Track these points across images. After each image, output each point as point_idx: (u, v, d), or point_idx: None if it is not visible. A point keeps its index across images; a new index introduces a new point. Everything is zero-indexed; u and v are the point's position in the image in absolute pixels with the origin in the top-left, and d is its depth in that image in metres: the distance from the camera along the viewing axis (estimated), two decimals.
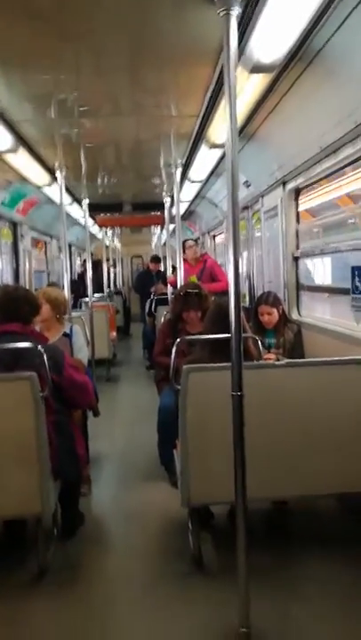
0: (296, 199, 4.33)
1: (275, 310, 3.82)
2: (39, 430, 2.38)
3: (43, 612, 2.32)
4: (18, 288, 2.78)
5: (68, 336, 3.55)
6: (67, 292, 4.57)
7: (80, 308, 7.51)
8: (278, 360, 3.36)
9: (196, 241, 7.37)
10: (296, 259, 4.38)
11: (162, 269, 9.14)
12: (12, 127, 3.59)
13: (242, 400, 1.95)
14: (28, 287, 5.45)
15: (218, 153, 4.42)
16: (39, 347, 2.45)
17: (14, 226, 6.48)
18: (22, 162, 4.51)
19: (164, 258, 9.30)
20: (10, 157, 4.28)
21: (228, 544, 2.16)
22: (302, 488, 2.54)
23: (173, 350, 2.79)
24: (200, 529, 2.69)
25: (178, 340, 2.91)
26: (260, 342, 2.91)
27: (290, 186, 4.24)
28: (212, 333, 2.70)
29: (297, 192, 4.30)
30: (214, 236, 8.79)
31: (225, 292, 5.65)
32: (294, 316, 4.32)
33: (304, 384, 2.54)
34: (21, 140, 3.93)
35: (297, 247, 4.37)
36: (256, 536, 2.10)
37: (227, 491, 2.06)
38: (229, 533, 2.14)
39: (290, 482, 2.52)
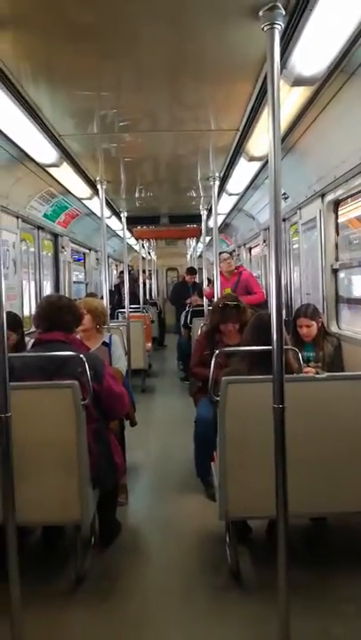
0: (335, 211, 4.29)
1: (314, 323, 3.77)
2: (80, 438, 2.41)
3: (79, 620, 2.34)
4: (61, 298, 2.84)
5: (106, 345, 3.61)
6: (105, 303, 4.64)
7: (117, 318, 7.61)
8: (318, 373, 3.31)
9: (230, 254, 7.38)
10: (335, 271, 4.33)
11: (197, 281, 9.17)
12: (56, 142, 3.71)
13: (283, 413, 1.93)
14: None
15: (256, 166, 4.43)
16: (81, 355, 2.50)
17: (55, 237, 6.64)
18: (65, 175, 4.63)
19: (200, 270, 9.33)
20: (54, 171, 4.41)
21: (266, 559, 2.14)
22: (344, 504, 2.49)
23: (213, 362, 2.79)
24: (238, 543, 2.66)
25: (217, 351, 2.91)
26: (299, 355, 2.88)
27: (329, 198, 4.21)
28: (252, 345, 2.69)
29: (336, 204, 4.26)
30: (250, 249, 8.77)
31: (260, 305, 5.62)
32: (333, 328, 4.26)
33: (345, 397, 2.49)
34: (65, 154, 4.04)
35: (336, 259, 4.32)
36: (294, 552, 2.06)
37: (266, 505, 2.04)
38: (267, 548, 2.12)
39: (331, 497, 2.47)
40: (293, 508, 2.01)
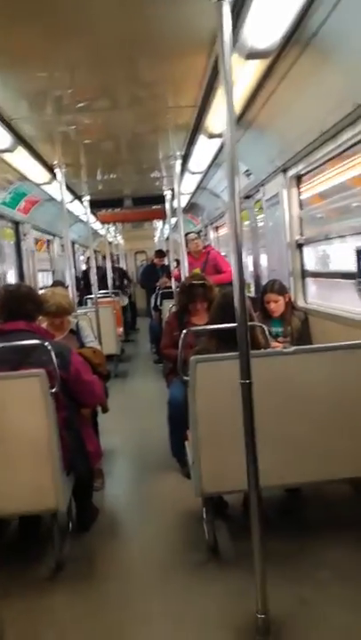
0: (298, 186, 4.30)
1: (281, 298, 3.81)
2: (50, 426, 2.39)
3: (61, 605, 2.35)
4: (20, 286, 2.80)
5: (74, 333, 3.57)
6: (71, 290, 4.58)
7: (85, 304, 7.53)
8: (285, 348, 3.35)
9: (198, 234, 7.35)
10: (300, 245, 4.36)
11: (166, 263, 9.14)
12: (9, 125, 3.59)
13: (251, 388, 1.95)
14: (32, 286, 5.46)
15: (217, 143, 4.39)
16: (45, 343, 2.46)
17: (16, 225, 6.49)
18: (21, 160, 4.50)
19: (168, 252, 9.30)
20: (9, 156, 4.27)
21: (243, 532, 2.17)
22: (314, 474, 2.54)
23: (180, 342, 2.79)
24: (214, 518, 2.70)
25: (185, 331, 2.91)
26: (267, 331, 2.90)
27: (291, 172, 4.21)
28: (219, 324, 2.70)
29: (298, 178, 4.27)
30: (217, 228, 8.76)
31: (230, 284, 5.65)
32: (300, 303, 4.31)
33: (313, 370, 2.54)
34: (19, 139, 3.92)
35: (301, 234, 4.35)
36: (271, 523, 2.11)
37: (240, 479, 2.06)
38: (244, 522, 2.15)
39: (302, 468, 2.52)
40: (265, 480, 2.04)
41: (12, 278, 6.24)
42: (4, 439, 2.37)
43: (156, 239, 14.95)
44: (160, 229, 12.81)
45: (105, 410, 3.51)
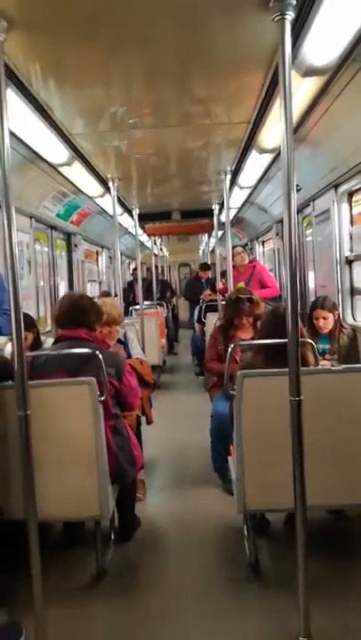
0: (349, 202, 4.25)
1: (331, 315, 3.74)
2: (98, 434, 2.43)
3: (100, 615, 2.37)
4: (83, 297, 2.86)
5: (122, 343, 3.63)
6: (120, 300, 4.66)
7: (130, 315, 7.63)
8: (333, 366, 3.29)
9: (244, 247, 7.35)
10: (350, 262, 4.29)
11: (210, 276, 9.16)
12: (67, 141, 3.72)
13: (300, 405, 1.93)
14: None
15: (268, 158, 4.40)
16: (98, 352, 2.52)
17: (68, 237, 6.68)
18: (77, 174, 4.65)
19: (213, 265, 9.32)
20: (65, 170, 4.43)
21: (285, 552, 2.14)
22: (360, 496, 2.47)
23: (228, 356, 2.78)
24: (256, 536, 2.66)
25: (232, 345, 2.91)
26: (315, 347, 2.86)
27: (343, 188, 4.17)
28: (268, 339, 2.68)
29: (350, 195, 4.22)
30: (263, 242, 8.72)
31: (275, 299, 5.60)
32: (349, 320, 4.22)
33: None
34: (76, 153, 4.06)
35: (350, 250, 4.28)
36: (313, 544, 2.06)
37: (284, 498, 2.03)
38: (286, 541, 2.12)
39: (349, 489, 2.45)
40: (311, 500, 2.00)
41: (63, 288, 6.42)
42: (54, 444, 2.42)
43: (200, 252, 15.01)
44: (205, 242, 12.86)
45: (149, 421, 3.55)
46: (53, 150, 3.86)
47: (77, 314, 2.70)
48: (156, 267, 11.08)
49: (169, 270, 15.81)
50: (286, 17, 1.83)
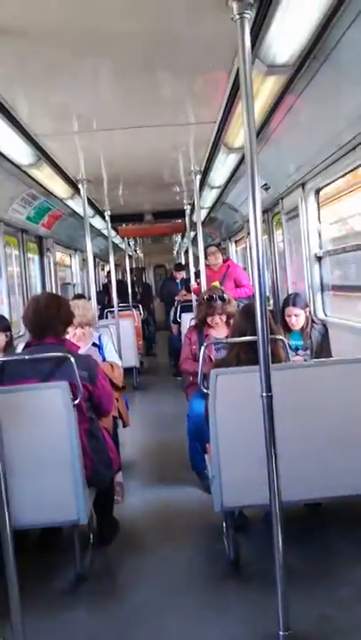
0: (316, 199, 4.31)
1: (302, 312, 3.80)
2: (72, 438, 2.41)
3: (80, 618, 2.34)
4: (48, 303, 2.72)
5: (96, 346, 3.61)
6: (93, 303, 4.63)
7: (106, 317, 7.59)
8: (306, 361, 3.33)
9: (217, 246, 7.38)
10: (319, 258, 4.35)
11: (185, 277, 9.18)
12: (33, 142, 3.68)
13: (271, 401, 1.95)
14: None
15: (236, 157, 4.43)
16: (69, 356, 2.49)
17: (40, 240, 6.60)
18: (46, 176, 4.60)
19: (187, 265, 9.35)
20: (34, 172, 4.38)
21: (264, 547, 2.15)
22: (336, 489, 2.51)
23: (201, 355, 2.80)
24: (235, 533, 2.68)
25: (205, 344, 2.92)
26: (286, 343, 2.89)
27: (309, 186, 4.23)
28: (243, 334, 2.70)
29: (317, 192, 4.28)
30: (236, 242, 8.78)
31: (250, 298, 5.63)
32: (320, 315, 4.28)
33: (333, 383, 2.51)
34: (44, 155, 4.02)
35: (320, 247, 4.35)
36: (291, 539, 2.08)
37: (261, 493, 2.05)
38: (265, 536, 2.13)
39: (323, 483, 2.49)
40: (287, 494, 2.02)
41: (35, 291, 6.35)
42: (29, 450, 2.39)
43: (175, 253, 15.04)
44: (179, 243, 12.89)
45: (125, 424, 3.54)
46: (19, 151, 3.81)
47: (43, 322, 2.64)
48: (132, 269, 11.06)
49: (144, 272, 15.78)
50: (245, 16, 1.85)
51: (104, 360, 3.53)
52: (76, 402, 2.44)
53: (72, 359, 2.47)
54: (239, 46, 1.87)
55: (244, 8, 1.86)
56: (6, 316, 4.52)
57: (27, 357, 2.59)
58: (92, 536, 2.90)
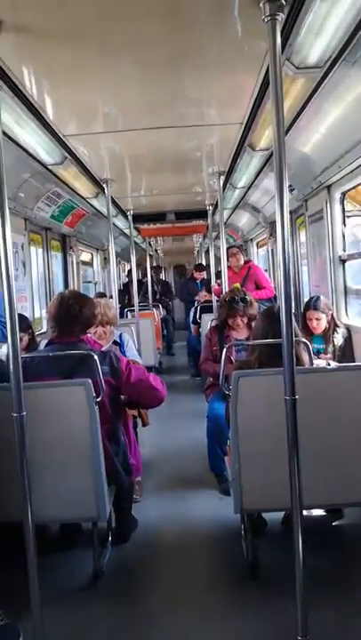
0: (342, 202, 4.27)
1: (323, 315, 3.76)
2: (94, 435, 2.43)
3: (98, 615, 2.37)
4: (72, 301, 2.72)
5: (117, 344, 3.63)
6: (115, 302, 4.65)
7: (126, 316, 7.63)
8: (328, 365, 3.30)
9: (239, 248, 7.35)
10: (343, 261, 4.30)
11: (205, 277, 9.17)
12: (61, 142, 3.72)
13: (295, 404, 1.93)
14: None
15: (261, 159, 4.41)
16: (92, 353, 2.51)
17: (63, 238, 6.66)
18: (71, 175, 4.64)
19: (208, 266, 9.33)
20: (60, 171, 4.42)
21: (282, 551, 2.14)
22: (358, 495, 2.48)
23: (223, 356, 2.79)
24: (253, 536, 2.67)
25: (226, 345, 2.91)
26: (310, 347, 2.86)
27: (335, 189, 4.18)
28: (264, 337, 2.69)
29: (342, 195, 4.23)
30: (257, 243, 8.74)
31: (270, 300, 5.59)
32: (343, 319, 4.24)
33: (356, 387, 2.48)
34: (70, 154, 4.06)
35: (344, 249, 4.30)
36: (311, 543, 2.06)
37: (281, 497, 2.04)
38: (284, 541, 2.12)
39: (345, 488, 2.46)
40: (308, 499, 2.01)
41: (58, 289, 6.41)
42: (50, 445, 2.42)
43: (195, 253, 15.02)
44: (200, 243, 12.87)
45: (145, 423, 3.55)
46: (47, 151, 3.86)
47: (67, 321, 2.67)
48: (152, 268, 11.08)
49: (164, 271, 15.80)
50: (277, 17, 1.84)
51: None
52: (98, 399, 2.46)
53: (95, 357, 2.49)
54: (270, 47, 1.86)
55: (277, 9, 1.84)
56: (29, 313, 4.58)
57: (50, 355, 2.62)
58: (110, 534, 2.92)
